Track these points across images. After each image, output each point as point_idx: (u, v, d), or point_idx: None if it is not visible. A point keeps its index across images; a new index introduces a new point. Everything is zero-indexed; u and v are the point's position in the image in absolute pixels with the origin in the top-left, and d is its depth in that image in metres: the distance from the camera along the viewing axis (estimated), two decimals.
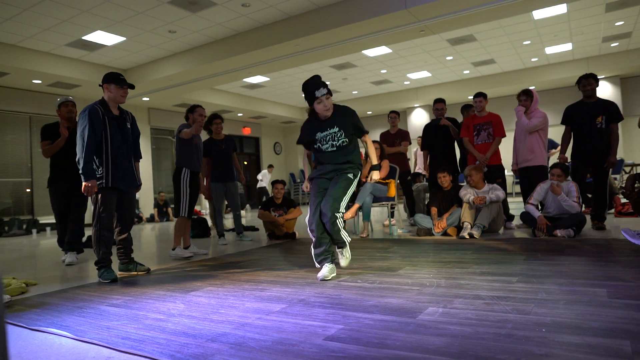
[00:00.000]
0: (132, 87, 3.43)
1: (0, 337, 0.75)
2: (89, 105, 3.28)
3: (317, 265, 3.01)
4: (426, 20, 6.85)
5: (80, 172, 3.16)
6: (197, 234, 6.22)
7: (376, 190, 5.12)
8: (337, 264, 3.03)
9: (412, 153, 10.52)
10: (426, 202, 6.53)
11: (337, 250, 3.06)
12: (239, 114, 13.67)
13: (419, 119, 14.10)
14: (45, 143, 4.43)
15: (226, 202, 5.52)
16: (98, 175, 3.23)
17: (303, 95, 3.03)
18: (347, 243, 3.03)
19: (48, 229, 9.30)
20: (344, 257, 3.05)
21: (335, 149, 3.01)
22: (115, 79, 3.34)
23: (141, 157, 3.60)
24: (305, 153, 3.53)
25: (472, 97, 5.65)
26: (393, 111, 6.35)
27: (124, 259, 3.51)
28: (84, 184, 3.15)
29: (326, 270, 2.85)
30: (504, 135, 5.25)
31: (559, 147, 5.04)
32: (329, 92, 2.96)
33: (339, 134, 2.98)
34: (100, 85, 3.43)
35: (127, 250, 3.51)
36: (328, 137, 3.00)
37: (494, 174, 5.12)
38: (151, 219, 11.34)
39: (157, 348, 1.72)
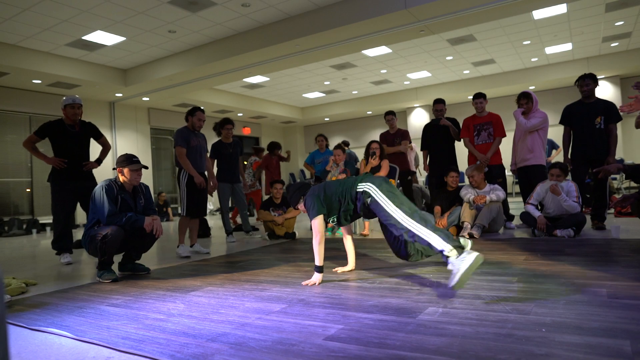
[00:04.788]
0: (145, 167, 3.45)
1: (1, 337, 0.75)
2: (105, 182, 3.31)
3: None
4: (426, 20, 6.84)
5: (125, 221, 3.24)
6: (198, 234, 6.20)
7: None
8: None
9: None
10: (424, 202, 6.54)
11: None
12: (239, 114, 13.65)
13: (419, 119, 14.09)
14: (34, 137, 4.28)
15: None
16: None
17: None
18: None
19: (48, 229, 9.29)
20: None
21: None
22: (129, 162, 3.35)
23: (155, 213, 3.57)
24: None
25: (471, 97, 5.64)
26: (389, 112, 6.15)
27: (126, 261, 3.51)
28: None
29: None
30: (505, 135, 5.25)
31: (560, 149, 5.04)
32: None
33: None
34: (113, 169, 3.47)
35: (134, 257, 3.53)
36: None
37: (495, 173, 5.12)
38: None
39: (157, 348, 1.72)
